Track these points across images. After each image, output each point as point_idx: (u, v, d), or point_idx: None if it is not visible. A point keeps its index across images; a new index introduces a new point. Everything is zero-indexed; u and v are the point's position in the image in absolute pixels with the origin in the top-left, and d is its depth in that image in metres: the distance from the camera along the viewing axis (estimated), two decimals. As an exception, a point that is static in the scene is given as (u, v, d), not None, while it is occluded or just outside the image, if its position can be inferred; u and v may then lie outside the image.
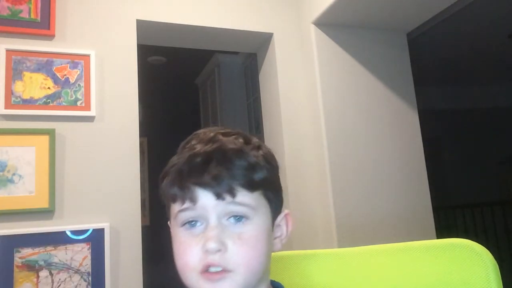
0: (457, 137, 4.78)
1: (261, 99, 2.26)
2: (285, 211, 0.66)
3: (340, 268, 0.76)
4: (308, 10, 2.01)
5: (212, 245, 0.56)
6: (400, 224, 1.89)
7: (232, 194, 0.58)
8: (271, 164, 0.63)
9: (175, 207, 0.60)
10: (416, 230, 1.91)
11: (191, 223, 0.59)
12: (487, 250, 0.62)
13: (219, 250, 0.56)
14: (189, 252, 0.58)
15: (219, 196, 0.58)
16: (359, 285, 0.73)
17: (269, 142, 2.12)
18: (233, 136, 0.62)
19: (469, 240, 0.64)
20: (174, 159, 0.62)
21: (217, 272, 0.56)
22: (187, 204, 0.59)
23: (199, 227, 0.59)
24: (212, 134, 0.62)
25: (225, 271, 0.56)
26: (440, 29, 2.89)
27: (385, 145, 1.96)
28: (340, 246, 1.77)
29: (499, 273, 0.61)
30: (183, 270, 0.59)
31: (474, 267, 0.62)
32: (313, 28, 1.97)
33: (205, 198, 0.58)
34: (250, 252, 0.57)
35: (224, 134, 0.62)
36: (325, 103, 1.91)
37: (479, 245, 0.63)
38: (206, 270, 0.56)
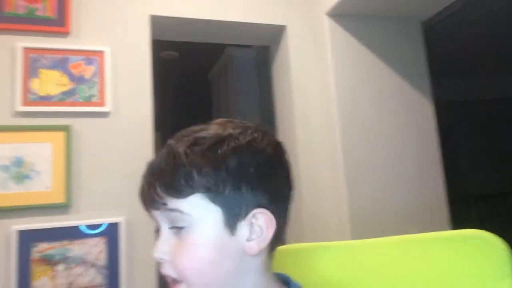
0: (472, 127, 4.71)
1: (274, 92, 2.25)
2: (256, 209, 0.58)
3: (352, 260, 0.75)
4: (321, 1, 1.99)
5: (154, 254, 0.58)
6: (415, 216, 1.88)
7: (160, 203, 0.57)
8: (230, 159, 0.56)
9: None
10: (430, 221, 1.90)
11: (158, 231, 0.61)
12: (502, 241, 0.62)
13: (163, 259, 0.58)
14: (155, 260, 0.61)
15: (152, 206, 0.59)
16: (372, 277, 0.72)
17: (282, 135, 2.12)
18: (187, 138, 0.59)
19: (484, 231, 0.64)
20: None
21: (172, 281, 0.58)
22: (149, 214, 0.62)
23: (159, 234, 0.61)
24: (167, 147, 0.61)
25: (176, 281, 0.57)
26: (456, 18, 2.83)
27: (399, 136, 1.94)
28: (353, 239, 1.76)
29: None
30: None
31: (490, 257, 0.61)
32: (326, 19, 1.95)
33: (150, 209, 0.60)
34: (190, 262, 0.56)
35: (182, 136, 0.60)
36: (338, 95, 1.90)
37: (494, 235, 0.63)
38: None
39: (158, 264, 0.59)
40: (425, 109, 2.02)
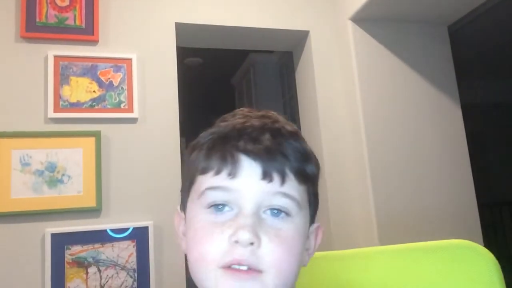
0: (502, 131, 4.59)
1: (298, 97, 2.25)
2: (317, 223, 0.55)
3: (341, 270, 0.74)
4: (344, 6, 1.99)
5: (246, 235, 0.45)
6: (444, 221, 1.84)
7: (283, 178, 0.47)
8: (317, 161, 0.54)
9: (203, 182, 0.49)
10: (460, 227, 1.86)
11: (218, 206, 0.48)
12: (489, 251, 0.62)
13: (251, 244, 0.45)
14: (210, 240, 0.46)
15: (266, 175, 0.47)
16: (360, 286, 0.71)
17: (307, 140, 2.11)
18: (284, 119, 0.53)
19: (471, 241, 0.64)
20: (211, 130, 0.51)
21: (245, 271, 0.45)
22: (221, 179, 0.47)
23: (227, 212, 0.47)
24: (261, 112, 0.53)
25: (253, 270, 0.45)
26: (482, 20, 2.79)
27: (427, 141, 1.92)
28: (381, 245, 1.74)
29: (502, 273, 0.61)
30: (197, 262, 0.47)
31: (478, 267, 0.61)
32: (350, 24, 1.95)
33: (249, 173, 0.47)
34: (285, 253, 0.47)
35: (273, 115, 0.53)
36: (363, 101, 1.89)
37: (481, 246, 0.63)
38: (229, 266, 0.45)
39: (232, 246, 0.45)
40: (453, 112, 1.99)
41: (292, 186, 0.48)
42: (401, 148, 1.88)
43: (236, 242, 0.45)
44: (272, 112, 0.54)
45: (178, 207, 0.56)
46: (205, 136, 0.51)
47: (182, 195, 0.55)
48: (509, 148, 4.56)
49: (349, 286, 0.71)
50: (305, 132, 2.15)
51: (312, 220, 0.53)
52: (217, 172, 0.47)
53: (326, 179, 1.91)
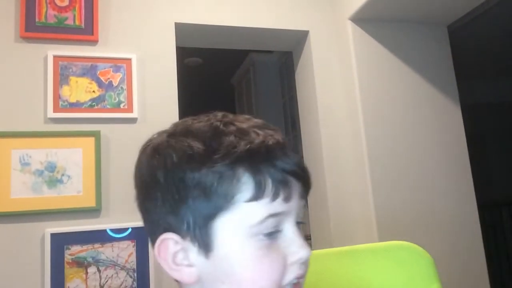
0: (502, 131, 4.59)
1: (298, 97, 2.25)
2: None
3: None
4: (344, 6, 1.99)
5: (308, 253, 0.47)
6: (444, 221, 1.85)
7: (307, 192, 0.50)
8: None
9: (251, 209, 0.45)
10: (460, 227, 1.86)
11: (271, 233, 0.46)
12: (426, 251, 0.68)
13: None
14: (276, 268, 0.45)
15: (304, 194, 0.49)
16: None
17: (306, 140, 2.12)
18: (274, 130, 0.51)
19: (410, 243, 0.69)
20: (234, 149, 0.45)
21: (297, 283, 0.48)
22: (278, 204, 0.45)
23: (275, 237, 0.47)
24: (259, 121, 0.51)
25: (302, 280, 0.49)
26: (482, 20, 2.79)
27: (426, 142, 1.92)
28: (381, 245, 1.75)
29: (437, 271, 0.67)
30: None
31: (416, 266, 0.67)
32: (350, 24, 1.95)
33: (296, 195, 0.48)
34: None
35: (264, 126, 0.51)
36: (363, 101, 1.89)
37: (419, 246, 0.68)
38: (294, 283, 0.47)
39: (291, 265, 0.47)
40: (453, 113, 1.99)
41: (307, 196, 0.50)
42: (401, 148, 1.88)
43: (301, 260, 0.47)
44: (264, 121, 0.51)
45: (171, 235, 0.48)
46: (230, 152, 0.45)
47: (186, 220, 0.47)
48: (509, 149, 4.56)
49: None
50: (305, 132, 2.15)
51: None
52: (275, 197, 0.45)
53: (326, 179, 1.91)
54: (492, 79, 4.62)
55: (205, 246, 0.47)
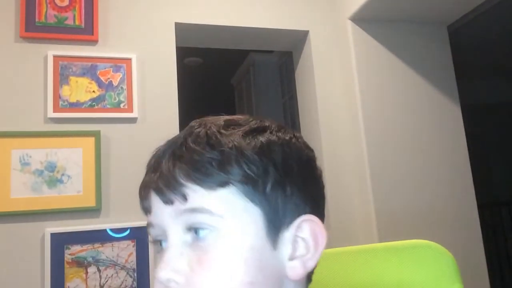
0: (502, 131, 4.59)
1: (297, 97, 2.25)
2: (301, 217, 0.45)
3: None
4: (344, 5, 1.99)
5: (160, 273, 0.41)
6: (444, 221, 1.85)
7: (179, 193, 0.42)
8: (276, 149, 0.45)
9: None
10: (460, 227, 1.86)
11: (157, 243, 0.47)
12: (447, 250, 0.67)
13: (174, 283, 0.40)
14: (155, 283, 0.43)
15: (164, 198, 0.43)
16: (324, 287, 0.71)
17: (306, 140, 2.11)
18: (216, 121, 0.47)
19: (432, 242, 0.68)
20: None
21: None
22: (148, 217, 0.47)
23: (164, 247, 0.45)
24: (195, 123, 0.49)
25: None
26: (482, 20, 2.79)
27: (427, 142, 1.92)
28: (381, 245, 1.75)
29: (459, 270, 0.66)
30: None
31: (438, 266, 0.65)
32: (349, 24, 1.95)
33: (156, 205, 0.45)
34: (219, 285, 0.40)
35: (205, 120, 0.48)
36: (363, 101, 1.89)
37: (440, 245, 0.67)
38: None
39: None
40: (453, 112, 1.99)
41: (201, 196, 0.41)
42: (401, 148, 1.88)
43: (159, 282, 0.41)
44: (195, 126, 0.48)
45: None
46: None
47: None
48: (509, 148, 4.56)
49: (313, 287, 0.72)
50: (304, 132, 2.15)
51: (285, 221, 0.44)
52: (144, 212, 0.49)
53: (326, 179, 1.91)
54: (492, 79, 4.62)
55: None
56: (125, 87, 1.73)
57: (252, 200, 0.42)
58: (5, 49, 1.65)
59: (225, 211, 0.41)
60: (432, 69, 2.00)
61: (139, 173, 1.72)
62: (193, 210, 0.41)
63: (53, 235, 1.53)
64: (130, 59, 1.75)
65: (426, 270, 0.65)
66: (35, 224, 1.55)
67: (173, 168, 0.43)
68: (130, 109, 1.71)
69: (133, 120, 1.73)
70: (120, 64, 1.75)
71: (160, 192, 0.44)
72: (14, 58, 1.65)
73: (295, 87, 2.29)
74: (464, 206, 1.90)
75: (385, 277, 0.67)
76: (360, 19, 1.95)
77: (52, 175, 1.58)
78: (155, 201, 0.45)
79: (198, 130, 0.45)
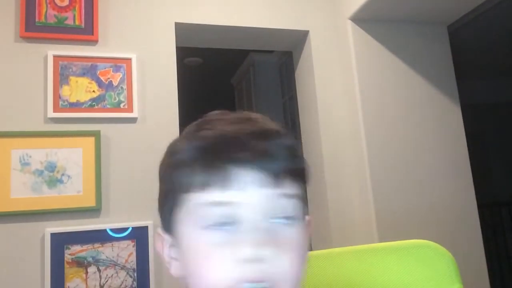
0: (502, 131, 4.59)
1: (297, 97, 2.25)
2: (307, 216, 0.49)
3: (308, 271, 0.75)
4: (344, 5, 1.99)
5: (249, 251, 0.41)
6: (444, 221, 1.85)
7: (279, 179, 0.43)
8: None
9: (194, 200, 0.44)
10: (460, 227, 1.86)
11: (222, 225, 0.43)
12: (447, 250, 0.68)
13: (258, 260, 0.41)
14: (219, 267, 0.42)
15: (262, 181, 0.43)
16: (327, 287, 0.71)
17: (306, 140, 2.12)
18: (262, 117, 0.49)
19: (432, 242, 0.69)
20: (189, 143, 0.46)
21: None
22: (218, 194, 0.42)
23: (229, 230, 0.43)
24: (238, 115, 0.48)
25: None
26: (482, 20, 2.79)
27: (426, 141, 1.92)
28: (381, 245, 1.75)
29: (458, 270, 0.67)
30: None
31: (438, 265, 0.66)
32: (350, 24, 1.95)
33: (243, 183, 0.42)
34: (299, 262, 0.44)
35: (250, 115, 0.49)
36: (363, 101, 1.89)
37: (440, 246, 0.68)
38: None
39: (242, 265, 0.41)
40: (453, 112, 1.99)
41: (291, 185, 0.45)
42: (401, 148, 1.88)
43: (243, 260, 0.41)
44: (250, 113, 0.49)
45: (159, 229, 0.51)
46: (184, 150, 0.46)
47: (163, 216, 0.49)
48: (509, 148, 4.56)
49: (315, 287, 0.71)
50: (304, 132, 2.15)
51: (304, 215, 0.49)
52: (208, 187, 0.43)
53: (326, 179, 1.91)
54: (492, 79, 4.62)
55: (175, 240, 0.48)
56: (125, 87, 1.73)
57: (304, 193, 0.48)
58: (5, 49, 1.65)
59: (302, 203, 0.46)
60: (432, 69, 2.00)
61: (140, 173, 1.72)
62: (289, 196, 0.44)
63: (53, 235, 1.53)
64: (130, 59, 1.75)
65: (426, 270, 0.66)
66: (35, 224, 1.55)
67: (271, 151, 0.43)
68: (130, 109, 1.71)
69: (133, 120, 1.73)
70: (120, 64, 1.75)
71: (257, 172, 0.43)
72: (14, 58, 1.65)
73: (295, 87, 2.29)
74: (464, 206, 1.90)
75: (385, 277, 0.67)
76: (360, 19, 1.95)
77: (52, 175, 1.58)
78: (243, 179, 0.42)
79: (268, 122, 0.48)
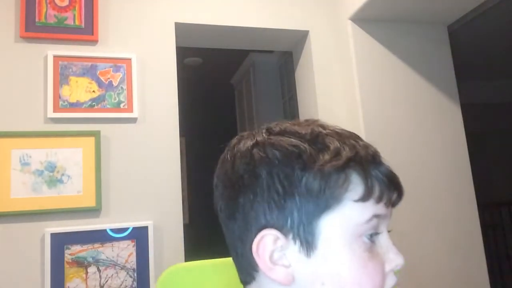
0: (502, 131, 4.59)
1: (298, 97, 2.25)
2: None
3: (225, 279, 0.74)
4: (344, 5, 1.99)
5: (404, 261, 0.49)
6: (444, 221, 1.84)
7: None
8: None
9: (363, 210, 0.47)
10: (460, 227, 1.86)
11: (373, 235, 0.48)
12: None
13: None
14: (378, 273, 0.46)
15: (397, 202, 0.52)
16: None
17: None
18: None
19: None
20: (342, 152, 0.47)
21: None
22: (381, 207, 0.48)
23: (375, 239, 0.49)
24: (347, 131, 0.53)
25: None
26: (482, 20, 2.79)
27: (426, 142, 1.92)
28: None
29: None
30: None
31: None
32: (350, 24, 1.95)
33: (390, 202, 0.51)
34: None
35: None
36: (363, 101, 1.89)
37: None
38: None
39: (393, 274, 0.49)
40: (453, 112, 1.99)
41: None
42: (401, 148, 1.88)
43: (394, 268, 0.47)
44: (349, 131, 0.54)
45: (271, 230, 0.47)
46: (339, 157, 0.47)
47: (295, 216, 0.47)
48: (509, 148, 4.56)
49: None
50: (304, 132, 2.14)
51: None
52: (379, 200, 0.48)
53: (326, 179, 1.91)
54: (492, 79, 4.62)
55: (308, 244, 0.46)
56: (125, 87, 1.73)
57: None
58: (5, 49, 1.65)
59: None
60: (432, 69, 2.00)
61: (140, 173, 1.72)
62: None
63: (53, 235, 1.53)
64: (130, 59, 1.75)
65: None
66: (35, 224, 1.55)
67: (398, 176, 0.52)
68: (130, 109, 1.71)
69: (133, 120, 1.73)
70: (120, 64, 1.74)
71: (400, 192, 0.52)
72: (14, 58, 1.65)
73: (295, 87, 2.29)
74: (464, 206, 1.90)
75: None
76: (360, 19, 1.95)
77: (52, 175, 1.58)
78: (392, 197, 0.51)
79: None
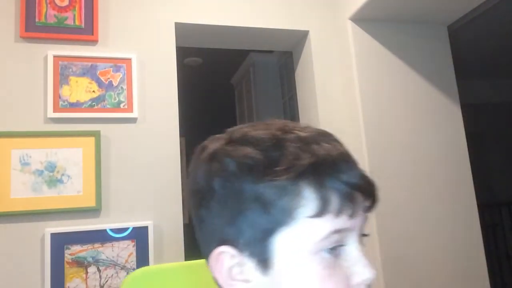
0: (502, 131, 4.59)
1: (298, 97, 2.25)
2: None
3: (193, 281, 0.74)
4: (344, 5, 1.99)
5: (374, 274, 0.45)
6: (444, 221, 1.84)
7: (376, 201, 0.48)
8: None
9: (320, 226, 0.43)
10: (460, 227, 1.86)
11: (335, 248, 0.44)
12: None
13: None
14: (334, 286, 0.43)
15: (371, 207, 0.48)
16: None
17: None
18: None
19: None
20: (296, 162, 0.43)
21: None
22: (343, 221, 0.44)
23: (340, 252, 0.45)
24: (318, 130, 0.49)
25: None
26: (482, 20, 2.79)
27: (427, 141, 1.92)
28: (381, 249, 1.75)
29: None
30: None
31: None
32: (350, 24, 1.95)
33: (361, 210, 0.46)
34: None
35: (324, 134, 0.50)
36: (363, 101, 1.89)
37: None
38: None
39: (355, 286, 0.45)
40: (453, 112, 1.99)
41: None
42: (401, 148, 1.88)
43: (362, 283, 0.44)
44: (324, 130, 0.50)
45: (227, 248, 0.46)
46: (291, 168, 0.43)
47: (245, 233, 0.45)
48: (509, 148, 4.56)
49: None
50: (304, 132, 2.14)
51: None
52: (339, 213, 0.44)
53: (326, 179, 1.91)
54: (492, 79, 4.62)
55: (264, 262, 0.45)
56: (125, 87, 1.73)
57: None
58: (5, 49, 1.65)
59: None
60: (432, 69, 2.00)
61: (140, 173, 1.72)
62: (367, 219, 0.47)
63: (53, 235, 1.53)
64: (130, 59, 1.75)
65: None
66: (35, 224, 1.55)
67: (371, 181, 0.48)
68: (130, 109, 1.71)
69: (133, 120, 1.73)
70: (120, 64, 1.75)
71: (371, 201, 0.47)
72: (14, 58, 1.65)
73: (295, 87, 2.29)
74: (464, 206, 1.90)
75: None
76: (360, 19, 1.95)
77: (52, 175, 1.58)
78: (361, 207, 0.46)
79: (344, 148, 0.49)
